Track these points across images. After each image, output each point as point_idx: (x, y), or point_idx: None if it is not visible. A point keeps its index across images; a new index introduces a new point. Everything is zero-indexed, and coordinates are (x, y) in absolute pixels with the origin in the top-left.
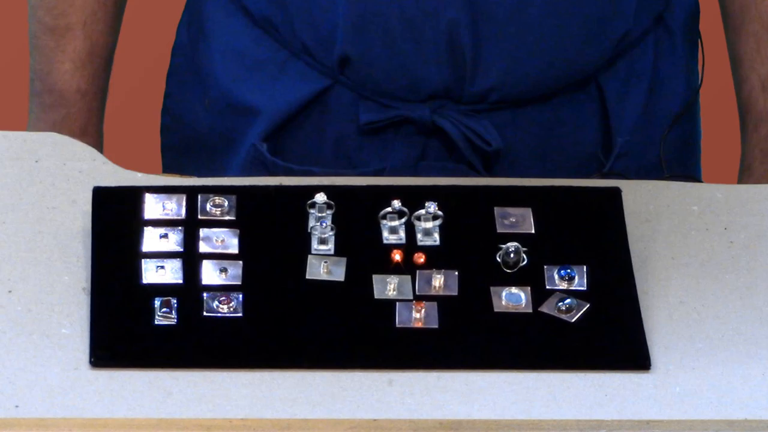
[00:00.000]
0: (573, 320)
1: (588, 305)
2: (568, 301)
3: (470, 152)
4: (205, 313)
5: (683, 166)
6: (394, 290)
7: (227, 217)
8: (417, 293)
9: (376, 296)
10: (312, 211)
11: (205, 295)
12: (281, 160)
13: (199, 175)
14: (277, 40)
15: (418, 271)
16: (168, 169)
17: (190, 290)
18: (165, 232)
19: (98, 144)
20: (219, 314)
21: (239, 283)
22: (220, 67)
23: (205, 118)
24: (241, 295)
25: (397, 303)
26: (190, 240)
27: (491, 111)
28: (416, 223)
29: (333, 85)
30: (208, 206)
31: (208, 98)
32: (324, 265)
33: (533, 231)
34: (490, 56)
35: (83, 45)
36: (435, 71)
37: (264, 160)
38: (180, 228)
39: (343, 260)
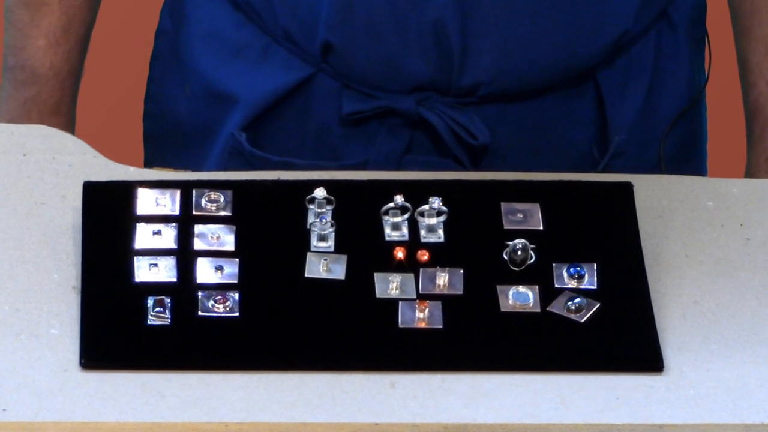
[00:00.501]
0: (583, 320)
1: (598, 305)
2: (577, 300)
3: (456, 146)
4: (200, 313)
5: (685, 167)
6: (396, 289)
7: (223, 213)
8: (420, 292)
9: (377, 295)
10: (311, 206)
11: (200, 294)
12: (260, 151)
13: (179, 165)
14: (258, 25)
15: (421, 269)
16: (149, 159)
17: (184, 289)
18: (158, 228)
19: (70, 125)
20: (214, 314)
21: (235, 281)
22: (201, 52)
23: (185, 106)
24: (237, 294)
25: (400, 302)
26: (185, 237)
27: (480, 105)
28: (420, 219)
29: (316, 74)
30: (203, 202)
31: (188, 85)
32: (324, 263)
33: (541, 227)
34: (479, 49)
35: (59, 20)
36: (421, 63)
37: (242, 150)
38: (174, 224)
39: (344, 258)
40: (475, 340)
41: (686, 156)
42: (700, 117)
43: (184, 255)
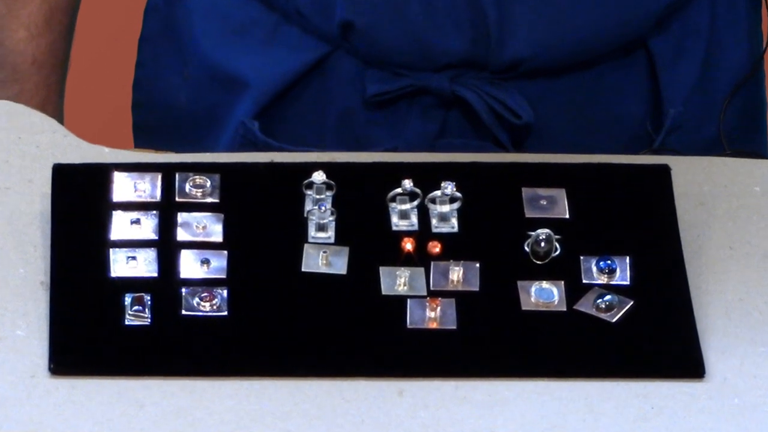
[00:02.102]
0: (614, 320)
1: (632, 303)
2: (608, 297)
3: (497, 126)
4: (183, 312)
5: (746, 141)
6: (404, 285)
7: (210, 200)
8: (432, 288)
9: (383, 292)
10: (309, 192)
11: (183, 290)
12: (275, 141)
13: (175, 152)
14: (265, 1)
15: (432, 263)
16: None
17: (166, 285)
18: (137, 216)
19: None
20: (200, 313)
21: (224, 276)
22: (201, 31)
23: (184, 93)
24: (225, 291)
25: (409, 300)
26: (167, 226)
27: (521, 80)
28: (431, 206)
29: (333, 52)
30: (187, 187)
31: (187, 69)
32: (323, 256)
33: (567, 216)
34: (518, 20)
35: (39, 9)
36: (453, 39)
37: (255, 140)
38: (154, 212)
39: (346, 250)
40: (493, 343)
41: (747, 129)
42: (761, 85)
43: (166, 247)
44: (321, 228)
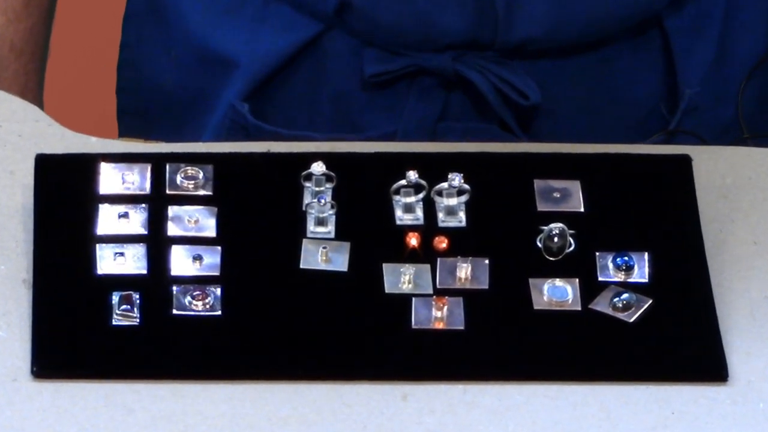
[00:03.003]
0: (631, 320)
1: (650, 301)
2: (625, 296)
3: (503, 108)
4: (174, 312)
5: (765, 124)
6: (409, 283)
7: (202, 192)
8: (438, 286)
9: (387, 290)
10: (308, 184)
11: (174, 288)
12: (266, 124)
13: (166, 142)
14: None
15: (439, 260)
16: (126, 135)
17: (156, 283)
18: (125, 210)
19: None
20: (192, 313)
21: (217, 274)
22: (188, 9)
23: (170, 74)
24: (219, 289)
25: (414, 299)
26: (157, 220)
27: (528, 60)
28: (437, 199)
29: (328, 31)
30: (178, 178)
31: (174, 49)
32: (322, 252)
33: (582, 209)
34: None
35: None
36: (456, 18)
37: (245, 124)
38: (144, 205)
39: (347, 245)
40: (503, 344)
41: (766, 111)
42: None
43: (156, 242)
44: (320, 222)
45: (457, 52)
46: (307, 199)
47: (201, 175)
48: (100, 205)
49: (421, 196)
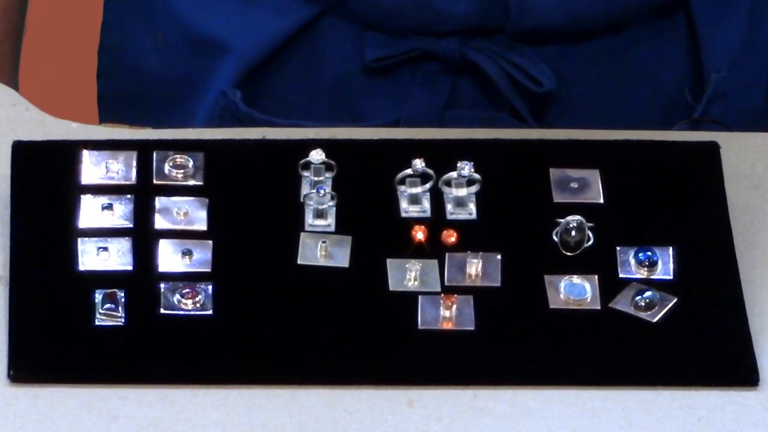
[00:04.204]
0: (655, 320)
1: (675, 300)
2: (648, 294)
3: (514, 95)
4: (162, 311)
5: None
6: (415, 280)
7: (192, 182)
8: (446, 284)
9: (391, 288)
10: (306, 173)
11: (162, 286)
12: (259, 113)
13: (153, 128)
14: None
15: (447, 254)
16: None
17: (142, 280)
18: (109, 201)
19: None
20: (181, 312)
21: (208, 270)
22: None
23: (156, 58)
24: (210, 287)
25: (420, 297)
26: (143, 212)
27: (542, 45)
28: (445, 189)
29: (326, 12)
30: (166, 167)
31: (160, 31)
32: (322, 247)
33: (602, 200)
34: None
35: None
36: (462, 3)
37: (237, 112)
38: (129, 196)
39: (348, 240)
40: (517, 346)
41: None
42: None
43: (143, 236)
44: (319, 214)
45: (465, 36)
46: (305, 189)
47: (191, 163)
48: (82, 196)
49: (428, 186)
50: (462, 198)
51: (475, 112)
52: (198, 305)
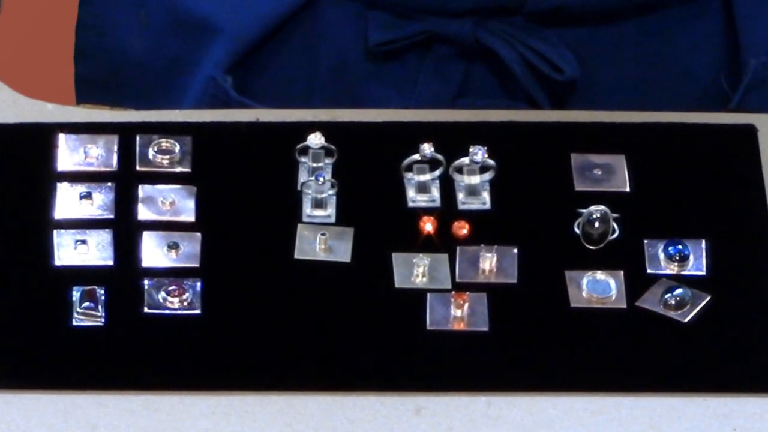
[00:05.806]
0: (686, 320)
1: (708, 298)
2: (679, 291)
3: (532, 83)
4: (146, 310)
5: None
6: (423, 276)
7: (179, 169)
8: (458, 280)
9: (397, 284)
10: (303, 159)
11: (146, 282)
12: (252, 101)
13: (136, 110)
14: None
15: (458, 248)
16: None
17: (124, 276)
18: (87, 190)
19: None
20: (167, 311)
21: (197, 265)
22: None
23: (140, 39)
24: (199, 283)
25: (429, 295)
26: (125, 202)
27: (563, 28)
28: (457, 177)
29: None
30: (150, 152)
31: (143, 8)
32: (321, 239)
33: (628, 188)
34: None
35: None
36: None
37: (227, 99)
38: (110, 184)
39: (350, 232)
40: (535, 348)
41: None
42: None
43: (125, 228)
44: (319, 204)
45: (479, 17)
46: (302, 176)
47: (177, 148)
48: (59, 184)
49: (437, 173)
50: (475, 186)
51: (488, 101)
52: (185, 304)
